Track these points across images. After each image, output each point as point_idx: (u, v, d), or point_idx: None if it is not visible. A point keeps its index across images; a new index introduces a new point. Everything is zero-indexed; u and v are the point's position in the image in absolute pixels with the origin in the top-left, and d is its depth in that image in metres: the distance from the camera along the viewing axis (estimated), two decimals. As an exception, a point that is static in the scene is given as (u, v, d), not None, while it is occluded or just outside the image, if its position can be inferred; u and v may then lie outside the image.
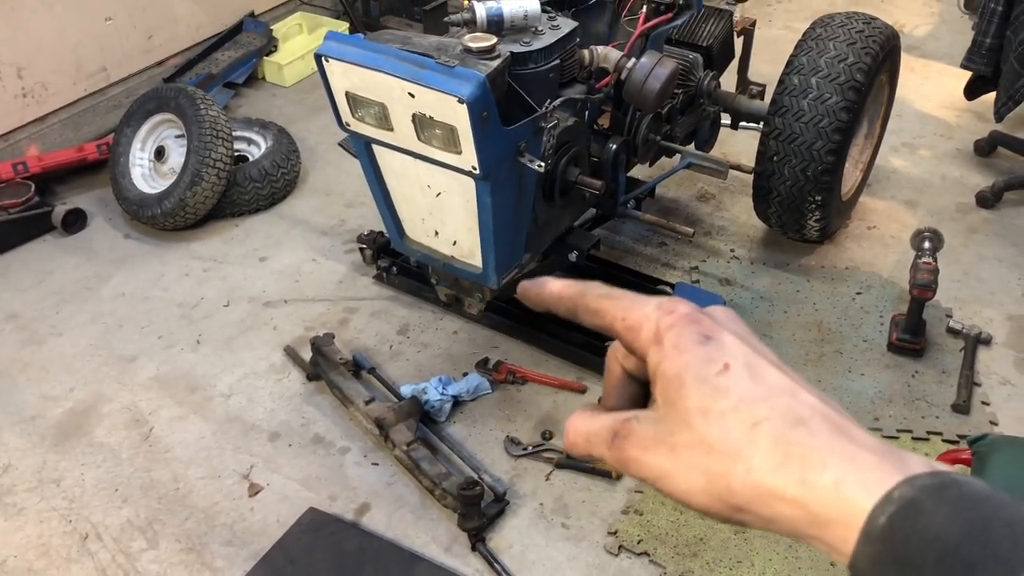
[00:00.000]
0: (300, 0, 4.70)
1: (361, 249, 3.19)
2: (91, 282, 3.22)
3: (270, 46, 4.37)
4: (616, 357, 0.57)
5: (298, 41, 4.55)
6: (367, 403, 2.58)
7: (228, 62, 4.20)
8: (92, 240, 3.43)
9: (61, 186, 3.67)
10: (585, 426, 0.55)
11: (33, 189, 3.40)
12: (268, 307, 3.10)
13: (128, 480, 2.50)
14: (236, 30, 4.37)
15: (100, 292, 3.18)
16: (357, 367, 2.76)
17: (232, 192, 3.42)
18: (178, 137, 3.46)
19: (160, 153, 3.49)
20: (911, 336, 2.81)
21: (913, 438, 2.55)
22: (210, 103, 3.40)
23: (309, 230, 3.46)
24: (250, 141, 3.69)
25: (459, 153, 2.04)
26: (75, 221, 3.42)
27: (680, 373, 0.49)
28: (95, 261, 3.32)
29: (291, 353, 2.88)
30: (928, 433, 2.57)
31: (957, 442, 2.53)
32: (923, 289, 2.69)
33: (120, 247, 3.39)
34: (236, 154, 3.56)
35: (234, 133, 3.57)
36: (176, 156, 3.44)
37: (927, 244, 2.82)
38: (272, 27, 4.44)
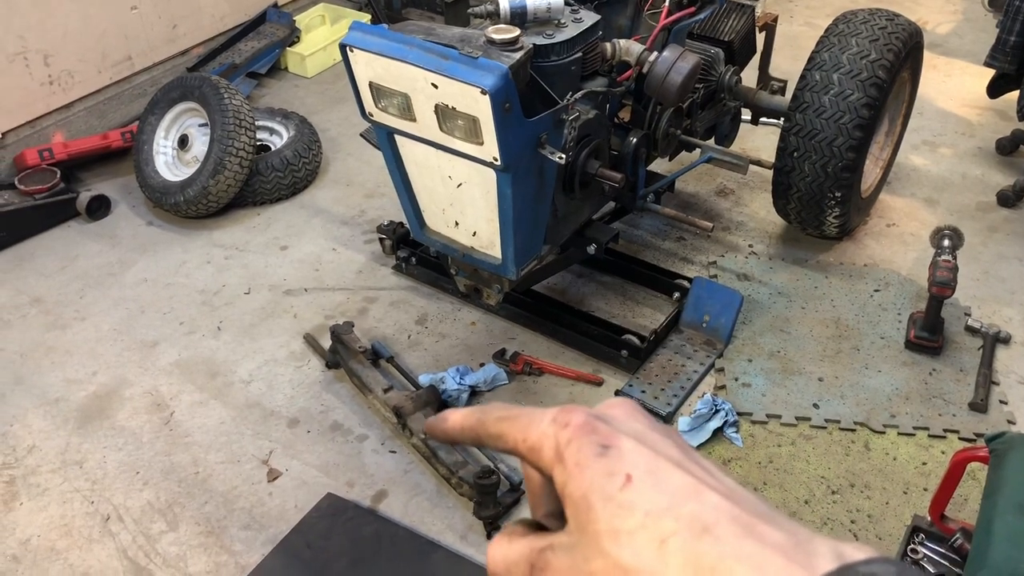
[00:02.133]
0: (323, -9, 4.72)
1: (381, 239, 3.22)
2: (114, 268, 3.26)
3: (293, 37, 4.40)
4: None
5: (320, 32, 4.58)
6: (385, 391, 2.61)
7: (251, 52, 4.23)
8: (116, 227, 3.47)
9: (85, 173, 3.72)
10: (503, 554, 0.52)
11: (58, 175, 3.44)
12: (288, 295, 3.13)
13: (149, 463, 2.54)
14: (259, 20, 4.40)
15: (123, 278, 3.22)
16: (376, 355, 2.79)
17: (254, 181, 3.46)
18: (201, 126, 3.49)
19: (183, 141, 3.52)
20: (929, 334, 2.80)
21: (930, 435, 2.55)
22: (233, 92, 3.43)
23: (330, 220, 3.49)
24: (272, 131, 3.72)
25: (481, 144, 2.06)
26: (99, 207, 3.47)
27: (586, 494, 0.48)
28: (118, 247, 3.36)
29: (311, 341, 2.91)
30: (945, 431, 2.56)
31: (974, 440, 2.53)
32: (942, 287, 2.68)
33: (143, 234, 3.43)
34: (258, 143, 3.59)
35: (257, 123, 3.60)
36: (199, 145, 3.48)
37: (947, 242, 2.81)
38: (295, 18, 4.47)
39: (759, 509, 0.47)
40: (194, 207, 3.36)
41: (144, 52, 4.00)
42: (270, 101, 4.18)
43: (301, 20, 4.50)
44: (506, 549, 0.52)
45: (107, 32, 3.82)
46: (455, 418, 0.56)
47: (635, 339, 2.76)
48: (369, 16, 4.57)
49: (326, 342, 2.85)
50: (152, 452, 2.57)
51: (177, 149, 3.54)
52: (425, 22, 2.20)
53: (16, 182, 3.40)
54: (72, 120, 3.80)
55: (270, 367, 2.84)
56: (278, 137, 3.70)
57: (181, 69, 4.12)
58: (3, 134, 3.57)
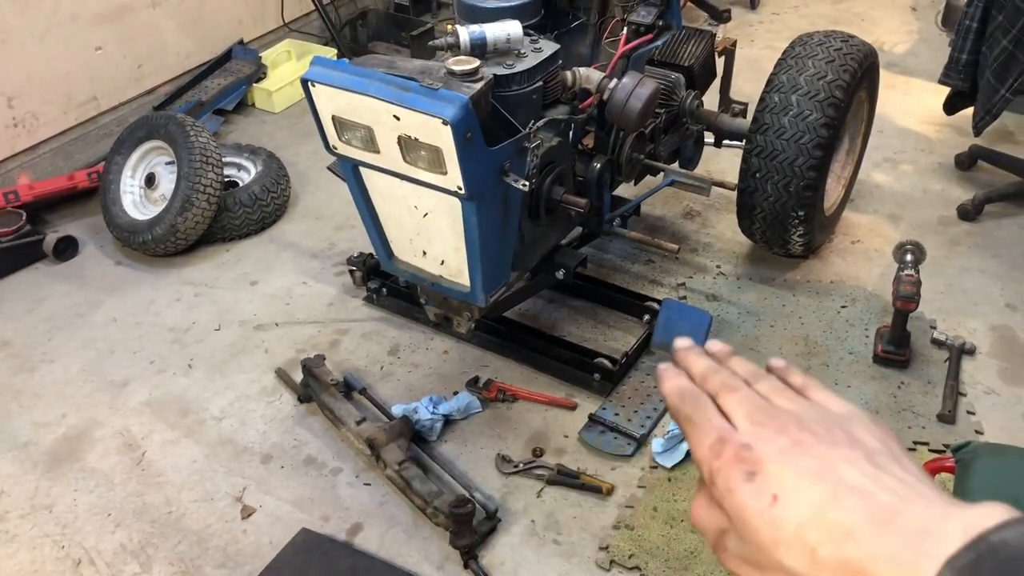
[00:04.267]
0: (288, 27, 4.76)
1: (351, 271, 3.22)
2: (83, 308, 3.24)
3: (259, 73, 4.42)
4: None
5: (287, 68, 4.60)
6: (358, 423, 2.60)
7: (217, 89, 4.24)
8: (83, 267, 3.45)
9: (52, 214, 3.70)
10: (703, 516, 0.61)
11: (24, 218, 3.42)
12: (259, 330, 3.12)
13: (121, 505, 2.51)
14: (225, 58, 4.42)
15: (92, 318, 3.20)
16: (348, 388, 2.78)
17: (222, 217, 3.45)
18: (168, 164, 3.49)
19: (150, 180, 3.52)
20: (896, 348, 2.84)
21: (900, 448, 2.58)
22: (199, 130, 3.44)
23: (299, 253, 3.49)
24: (240, 167, 3.73)
25: (444, 174, 2.08)
26: (66, 248, 3.45)
27: (740, 513, 0.56)
28: (86, 288, 3.34)
29: (282, 375, 2.90)
30: (915, 443, 2.59)
31: (944, 451, 2.55)
32: (906, 301, 2.72)
33: (111, 274, 3.41)
34: (226, 180, 3.59)
35: (224, 159, 3.61)
36: (166, 183, 3.47)
37: (909, 257, 2.86)
38: (261, 54, 4.50)
39: (901, 492, 0.53)
40: (162, 245, 3.35)
41: (110, 92, 4.00)
42: (238, 137, 4.19)
43: (267, 56, 4.52)
44: (705, 513, 0.61)
45: (72, 73, 3.82)
46: (668, 385, 0.66)
47: (607, 362, 2.78)
48: (335, 51, 4.60)
49: (298, 376, 2.84)
50: (124, 493, 2.55)
51: (144, 188, 3.53)
52: (386, 55, 2.22)
53: (-19, 226, 3.38)
54: (38, 162, 3.78)
55: (242, 403, 2.83)
56: (246, 173, 3.70)
57: (147, 108, 4.12)
58: (-33, 178, 3.56)
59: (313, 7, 4.64)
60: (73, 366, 2.99)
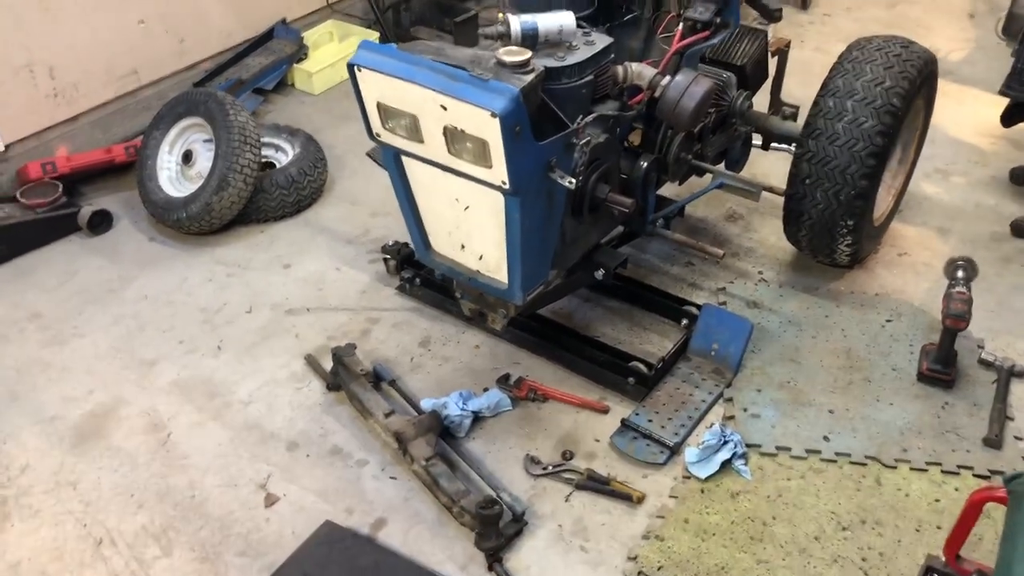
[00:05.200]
0: (332, 8, 4.71)
1: (385, 259, 3.18)
2: (115, 284, 3.22)
3: (300, 53, 4.37)
4: None
5: (328, 49, 4.56)
6: (387, 416, 2.55)
7: (258, 68, 4.20)
8: (117, 242, 3.43)
9: (88, 187, 3.69)
10: None
11: (60, 189, 3.41)
12: (290, 315, 3.08)
13: (144, 486, 2.48)
14: (267, 36, 4.38)
15: (123, 294, 3.18)
16: (377, 379, 2.74)
17: (258, 198, 3.42)
18: (206, 142, 3.45)
19: (188, 157, 3.49)
20: (942, 366, 2.75)
21: (943, 471, 2.49)
22: (239, 109, 3.40)
23: (334, 238, 3.45)
24: (278, 148, 3.69)
25: (489, 167, 2.02)
26: (101, 222, 3.43)
27: None
28: (119, 263, 3.32)
29: (312, 362, 2.86)
30: (959, 467, 2.50)
31: (988, 477, 2.47)
32: (957, 319, 2.63)
33: (145, 250, 3.39)
34: (263, 160, 3.56)
35: (262, 139, 3.57)
36: (203, 161, 3.44)
37: (961, 273, 2.76)
38: (303, 34, 4.45)
39: None
40: (197, 223, 3.32)
41: (150, 66, 3.97)
42: (276, 117, 4.15)
43: (309, 37, 4.48)
44: None
45: (113, 45, 3.79)
46: None
47: (642, 366, 2.71)
48: (377, 34, 4.55)
49: (327, 363, 2.80)
50: (148, 474, 2.52)
51: (181, 165, 3.50)
52: (435, 42, 2.16)
53: (18, 195, 3.37)
54: (76, 133, 3.77)
55: (270, 388, 2.79)
56: (283, 154, 3.66)
57: (187, 84, 4.09)
58: (6, 146, 3.54)
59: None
60: (103, 341, 2.97)
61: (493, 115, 1.88)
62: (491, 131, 1.92)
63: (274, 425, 2.67)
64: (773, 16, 4.60)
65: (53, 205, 3.37)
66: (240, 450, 2.59)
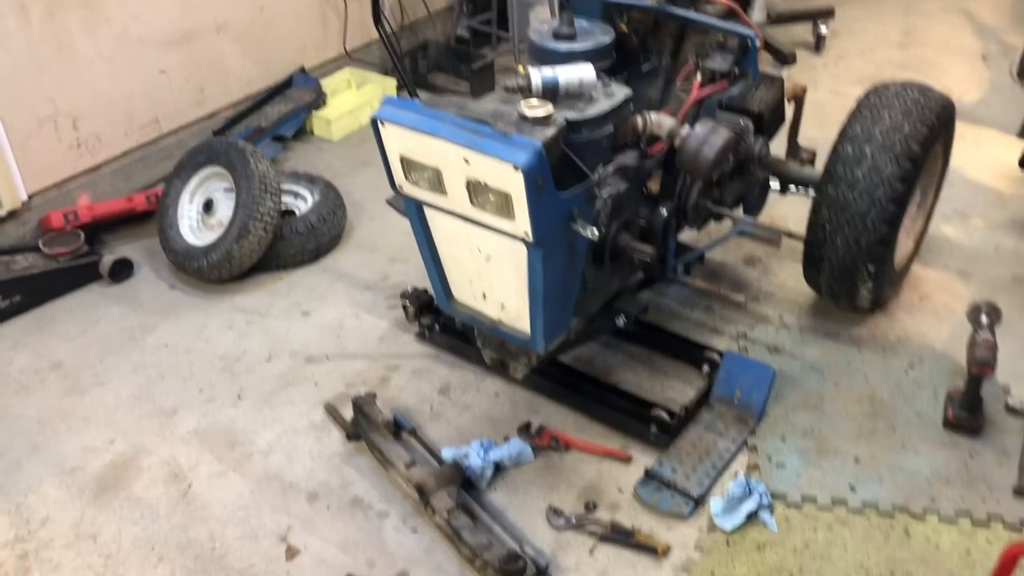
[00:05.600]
0: (349, 56, 4.77)
1: (404, 306, 3.17)
2: (135, 332, 3.23)
3: (319, 101, 4.42)
4: None
5: (346, 96, 4.61)
6: (408, 466, 2.54)
7: (277, 116, 4.25)
8: (138, 290, 3.45)
9: (109, 235, 3.72)
10: None
11: (82, 238, 3.44)
12: (310, 362, 3.08)
13: (165, 538, 2.47)
14: (286, 84, 4.43)
15: (144, 342, 3.19)
16: (398, 428, 2.72)
17: (278, 245, 3.44)
18: (227, 190, 3.48)
19: (208, 206, 3.52)
20: (968, 413, 2.71)
21: (973, 523, 2.45)
22: (260, 157, 3.43)
23: (352, 285, 3.45)
24: (297, 195, 3.72)
25: (512, 219, 2.03)
26: (122, 271, 3.45)
27: None
28: (140, 311, 3.33)
29: (331, 411, 2.86)
30: (989, 517, 2.46)
31: (1020, 529, 2.43)
32: (982, 366, 2.60)
33: (165, 298, 3.40)
34: (283, 208, 3.58)
35: (282, 187, 3.60)
36: (224, 209, 3.47)
37: (985, 319, 2.74)
38: (322, 82, 4.50)
39: None
40: (217, 271, 3.33)
41: (171, 115, 4.02)
42: (296, 164, 4.19)
43: (327, 84, 4.53)
44: None
45: (136, 95, 3.85)
46: None
47: (665, 414, 2.69)
48: (395, 81, 4.60)
49: (347, 412, 2.79)
50: (168, 526, 2.51)
51: (202, 213, 3.53)
52: (456, 97, 2.18)
53: (40, 244, 3.40)
54: (98, 181, 3.81)
55: (290, 437, 2.78)
56: (303, 201, 3.69)
57: (207, 131, 4.14)
58: (30, 196, 3.58)
59: (375, 36, 4.65)
60: (123, 390, 2.98)
61: (516, 169, 1.89)
62: (514, 184, 1.93)
63: (294, 476, 2.65)
64: (787, 59, 4.67)
65: (75, 254, 3.39)
66: (260, 501, 2.57)
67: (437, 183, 2.10)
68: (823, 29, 5.09)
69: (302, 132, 4.42)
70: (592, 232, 2.07)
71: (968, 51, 5.15)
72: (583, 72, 2.24)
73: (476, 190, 2.03)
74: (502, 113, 2.05)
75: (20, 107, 3.45)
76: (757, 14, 4.87)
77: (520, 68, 2.25)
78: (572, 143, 2.21)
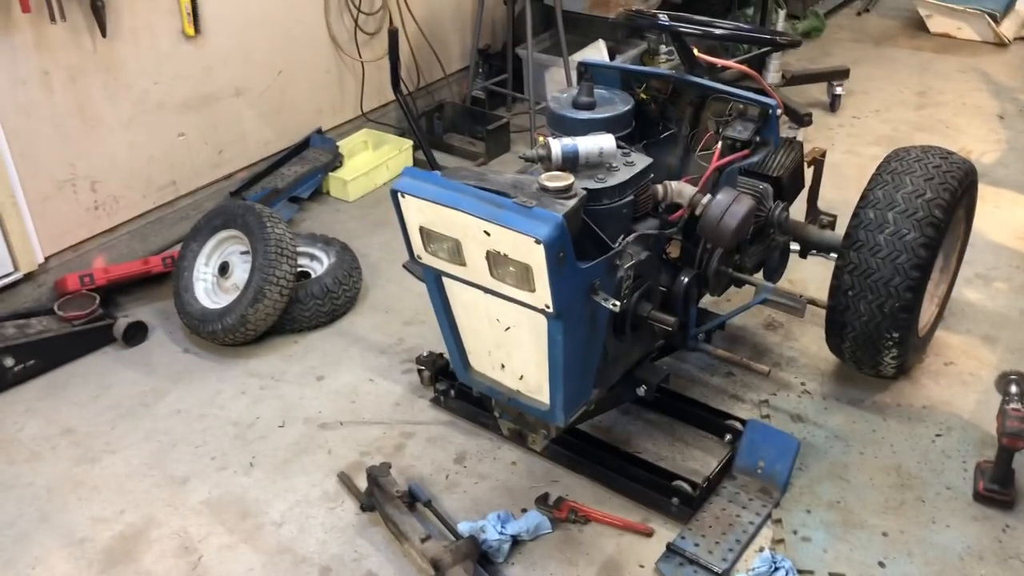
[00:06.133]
0: (366, 117, 4.80)
1: (419, 371, 3.14)
2: (148, 397, 3.20)
3: (336, 162, 4.44)
4: None
5: (363, 157, 4.63)
6: (423, 540, 2.47)
7: (294, 177, 4.26)
8: (152, 353, 3.42)
9: (124, 297, 3.70)
10: None
11: (97, 301, 3.42)
12: (323, 429, 3.03)
13: (174, 614, 2.41)
14: (303, 146, 4.45)
15: (156, 408, 3.15)
16: (413, 499, 2.66)
17: (293, 309, 3.41)
18: (243, 253, 3.47)
19: (224, 269, 3.51)
20: (1000, 486, 2.64)
21: (1008, 601, 2.37)
22: (276, 221, 3.43)
23: (367, 348, 3.42)
24: (313, 257, 3.70)
25: (532, 291, 1.99)
26: (136, 334, 3.43)
27: None
28: (153, 376, 3.30)
29: (345, 480, 2.80)
30: (1024, 597, 2.38)
31: (1057, 609, 2.34)
32: (1014, 438, 2.54)
33: (179, 361, 3.38)
34: (299, 270, 3.57)
35: (298, 249, 3.59)
36: (240, 272, 3.45)
37: (1014, 388, 2.67)
38: (338, 143, 4.53)
39: None
40: (231, 335, 3.31)
41: (189, 177, 4.04)
42: (311, 226, 4.19)
43: (344, 145, 4.55)
44: None
45: (154, 158, 3.87)
46: None
47: (687, 486, 2.62)
48: (411, 142, 4.62)
49: (361, 481, 2.74)
50: (177, 602, 2.45)
51: (217, 276, 3.52)
52: (476, 168, 2.17)
53: (55, 308, 3.38)
54: (114, 244, 3.81)
55: (302, 508, 2.73)
56: (319, 263, 3.67)
57: (224, 193, 4.15)
58: (46, 258, 3.58)
59: (391, 97, 4.68)
60: (135, 458, 2.93)
61: (538, 242, 1.87)
62: (535, 257, 1.90)
63: (307, 549, 2.59)
64: (803, 120, 4.66)
65: (90, 317, 3.38)
66: (272, 576, 2.51)
67: (456, 254, 2.08)
68: (838, 89, 5.10)
69: (318, 193, 4.43)
70: (613, 304, 2.03)
71: (984, 111, 5.15)
72: (603, 142, 2.23)
73: (496, 262, 2.00)
74: (522, 184, 2.04)
75: (39, 171, 3.47)
76: (772, 76, 4.90)
77: (540, 138, 2.23)
78: (592, 213, 2.18)
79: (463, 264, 2.09)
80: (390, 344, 3.45)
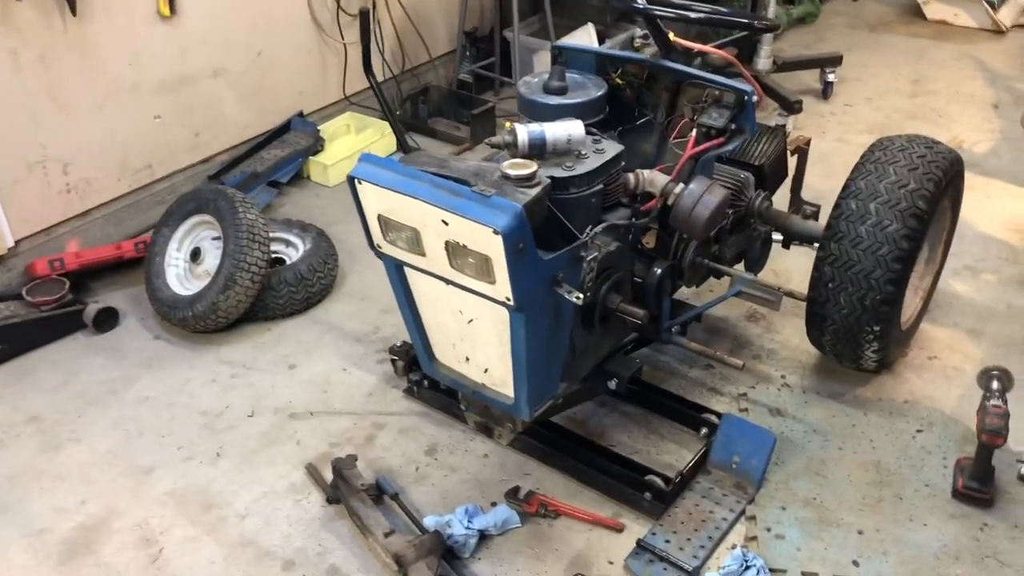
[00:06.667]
0: (349, 100, 4.72)
1: (393, 360, 3.08)
2: (116, 384, 3.14)
3: (316, 146, 4.36)
4: None
5: (345, 141, 4.55)
6: (387, 535, 2.42)
7: (274, 161, 4.19)
8: (122, 340, 3.37)
9: (97, 282, 3.64)
10: None
11: (67, 287, 3.36)
12: (293, 419, 2.98)
13: (131, 608, 2.36)
14: (284, 129, 4.38)
15: (125, 396, 3.09)
16: (380, 491, 2.61)
17: (266, 296, 3.35)
18: (215, 239, 3.41)
19: (196, 254, 3.45)
20: (979, 484, 2.58)
21: (983, 603, 2.31)
22: (248, 206, 3.36)
23: (342, 337, 3.36)
24: (288, 243, 3.64)
25: (492, 283, 1.93)
26: (107, 320, 3.37)
27: None
28: (123, 363, 3.25)
29: (312, 472, 2.75)
30: (1000, 598, 2.33)
31: (1033, 611, 2.29)
32: (993, 435, 2.48)
33: (149, 349, 3.32)
34: (273, 256, 3.51)
35: (273, 234, 3.53)
36: (212, 258, 3.39)
37: (996, 385, 2.61)
38: (320, 127, 4.45)
39: None
40: (202, 322, 3.25)
41: (165, 160, 3.97)
42: (290, 210, 4.12)
43: (326, 129, 4.48)
44: None
45: (129, 141, 3.79)
46: None
47: (659, 481, 2.57)
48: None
49: (329, 472, 2.68)
50: (136, 595, 2.40)
51: (189, 262, 3.46)
52: (438, 155, 2.10)
53: (24, 292, 3.32)
54: (88, 228, 3.74)
55: (268, 500, 2.67)
56: (294, 250, 3.61)
57: (202, 176, 4.08)
58: (17, 242, 3.52)
59: (377, 90, 4.60)
60: (100, 447, 2.88)
61: (496, 232, 1.80)
62: (494, 248, 1.84)
63: (271, 542, 2.54)
64: (793, 108, 4.58)
65: (58, 303, 3.32)
66: (233, 570, 2.46)
67: (416, 244, 2.01)
68: (831, 76, 5.01)
69: (299, 177, 4.36)
70: (577, 297, 1.97)
71: (979, 100, 5.06)
72: (571, 128, 2.16)
73: (455, 252, 1.94)
74: (484, 172, 1.97)
75: (8, 152, 3.40)
76: (763, 62, 4.81)
77: (507, 124, 2.17)
78: (559, 202, 2.12)
79: (423, 254, 2.03)
80: (366, 333, 3.39)
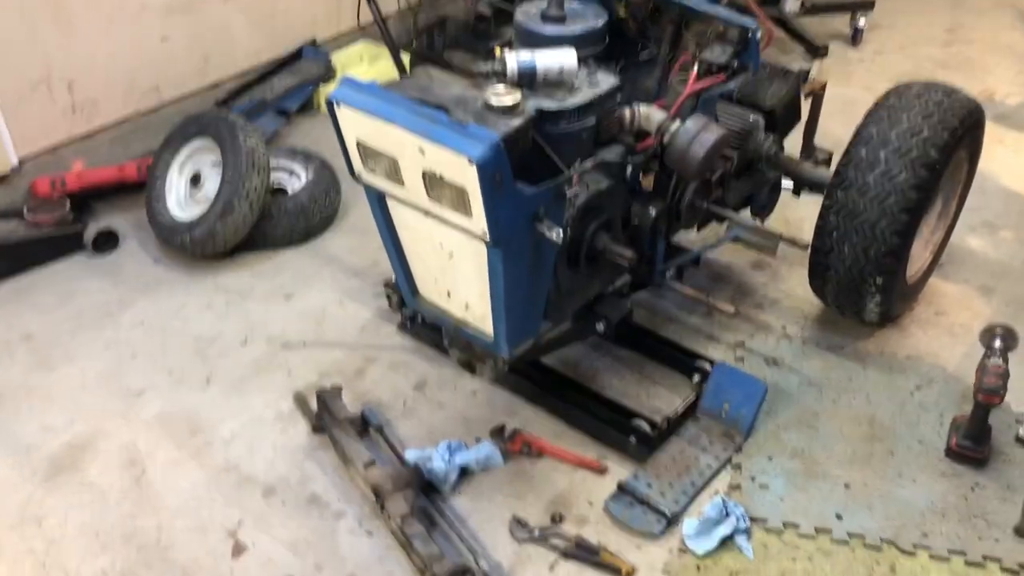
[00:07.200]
0: (363, 29, 4.62)
1: (388, 295, 3.05)
2: (112, 307, 3.15)
3: (327, 75, 4.29)
4: None
5: (357, 71, 4.46)
6: (367, 466, 2.42)
7: (283, 89, 4.13)
8: (121, 263, 3.37)
9: (102, 204, 3.63)
10: None
11: (67, 207, 3.35)
12: (285, 349, 2.97)
13: (111, 526, 2.38)
14: (295, 57, 4.31)
15: (120, 318, 3.10)
16: (365, 423, 2.61)
17: (265, 225, 3.32)
18: (215, 165, 3.38)
19: (196, 179, 3.42)
20: (973, 443, 2.52)
21: (967, 562, 2.27)
22: (250, 132, 3.31)
23: (340, 269, 3.33)
24: (292, 172, 3.59)
25: (469, 216, 1.88)
26: (106, 242, 3.37)
27: None
28: (120, 286, 3.25)
29: (300, 401, 2.74)
30: (984, 558, 2.28)
31: (1018, 573, 2.24)
32: (989, 395, 2.41)
33: (148, 272, 3.32)
34: (276, 186, 3.47)
35: (277, 163, 3.49)
36: (211, 184, 3.36)
37: (998, 343, 2.53)
38: (332, 56, 4.37)
39: None
40: (200, 248, 3.23)
41: (173, 83, 3.92)
42: (297, 140, 4.07)
43: (338, 58, 4.39)
44: None
45: (135, 61, 3.75)
46: None
47: (646, 425, 2.53)
48: (408, 56, 4.44)
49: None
50: (117, 514, 2.42)
51: (190, 187, 3.43)
52: (425, 79, 2.03)
53: (24, 211, 3.32)
54: (95, 148, 3.72)
55: (254, 427, 2.68)
56: (297, 179, 3.57)
57: (210, 101, 4.03)
58: (21, 161, 3.51)
59: (392, 8, 4.49)
60: (92, 369, 2.89)
61: (470, 162, 1.74)
62: (469, 179, 1.78)
63: (253, 468, 2.55)
64: (818, 52, 4.42)
65: (59, 223, 3.31)
66: (214, 493, 2.47)
67: (394, 172, 1.96)
68: (861, 22, 4.83)
69: (308, 107, 4.30)
70: (557, 234, 1.91)
71: (1016, 50, 4.86)
72: (564, 58, 2.08)
73: (432, 182, 1.88)
74: (466, 100, 1.90)
75: (11, 70, 3.37)
76: (790, 4, 4.64)
77: (497, 51, 2.09)
78: (548, 135, 2.05)
79: (401, 183, 1.98)
80: (364, 267, 3.36)
